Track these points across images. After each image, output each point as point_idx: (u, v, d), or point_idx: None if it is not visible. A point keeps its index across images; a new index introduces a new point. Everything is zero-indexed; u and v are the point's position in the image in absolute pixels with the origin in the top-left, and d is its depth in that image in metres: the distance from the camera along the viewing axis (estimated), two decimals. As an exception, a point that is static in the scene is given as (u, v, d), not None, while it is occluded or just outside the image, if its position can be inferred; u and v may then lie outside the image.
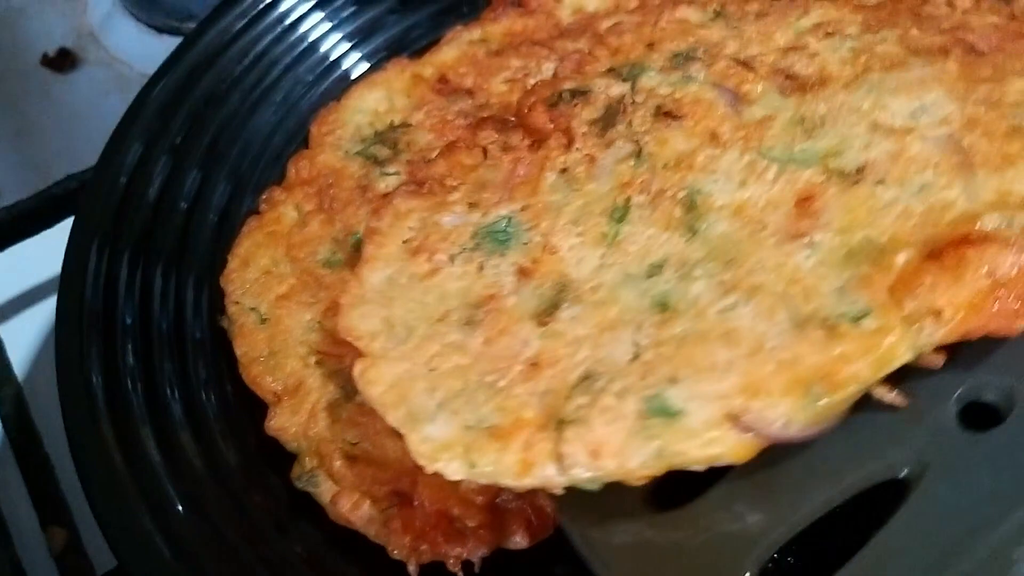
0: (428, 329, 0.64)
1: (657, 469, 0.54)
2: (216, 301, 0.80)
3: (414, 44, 0.98)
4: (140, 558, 0.63)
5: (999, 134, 0.63)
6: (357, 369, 0.63)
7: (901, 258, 0.57)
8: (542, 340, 0.61)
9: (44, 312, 0.85)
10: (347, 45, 0.99)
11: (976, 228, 0.57)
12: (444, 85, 0.90)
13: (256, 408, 0.74)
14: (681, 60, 0.78)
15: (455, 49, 0.93)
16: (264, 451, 0.72)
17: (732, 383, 0.55)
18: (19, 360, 0.94)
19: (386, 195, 0.77)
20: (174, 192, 0.85)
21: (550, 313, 0.63)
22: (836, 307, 0.56)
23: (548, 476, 0.56)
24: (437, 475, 0.57)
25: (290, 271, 0.80)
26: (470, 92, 0.88)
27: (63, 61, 1.29)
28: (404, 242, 0.70)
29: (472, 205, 0.71)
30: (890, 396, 0.56)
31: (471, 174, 0.73)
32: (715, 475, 0.57)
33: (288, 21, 0.97)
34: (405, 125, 0.88)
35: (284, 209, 0.85)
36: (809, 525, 0.57)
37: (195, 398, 0.75)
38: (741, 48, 0.78)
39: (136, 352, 0.75)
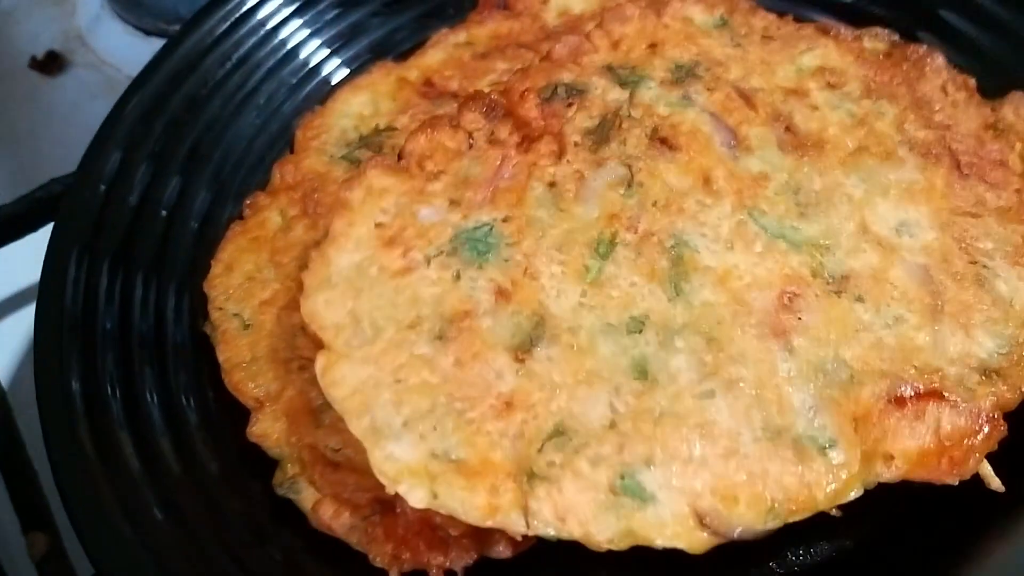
0: (397, 334, 0.64)
1: (621, 545, 0.58)
2: (198, 307, 0.80)
3: (399, 47, 0.98)
4: (116, 565, 0.63)
5: (968, 280, 0.68)
6: (319, 363, 0.63)
7: (868, 394, 0.62)
8: (517, 378, 0.62)
9: (29, 317, 0.85)
10: (329, 49, 0.99)
11: (937, 383, 0.63)
12: (429, 88, 0.90)
13: (238, 414, 0.73)
14: (683, 74, 0.78)
15: (440, 52, 0.93)
16: (245, 457, 0.72)
17: (704, 482, 0.59)
18: (3, 365, 0.94)
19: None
20: (154, 199, 0.84)
21: (526, 349, 0.64)
22: (806, 428, 0.61)
23: (511, 523, 0.58)
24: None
25: (274, 276, 0.80)
26: (455, 95, 0.88)
27: (51, 64, 1.29)
28: (377, 225, 0.70)
29: (453, 203, 0.71)
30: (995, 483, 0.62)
31: (453, 163, 0.73)
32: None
33: (270, 25, 0.97)
34: (390, 128, 0.88)
35: (268, 214, 0.84)
36: (810, 527, 0.60)
37: (175, 404, 0.74)
38: (744, 76, 0.78)
39: (116, 358, 0.74)
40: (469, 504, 0.58)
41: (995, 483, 0.62)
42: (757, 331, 0.64)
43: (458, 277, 0.67)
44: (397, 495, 0.59)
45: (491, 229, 0.69)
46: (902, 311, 0.66)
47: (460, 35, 0.94)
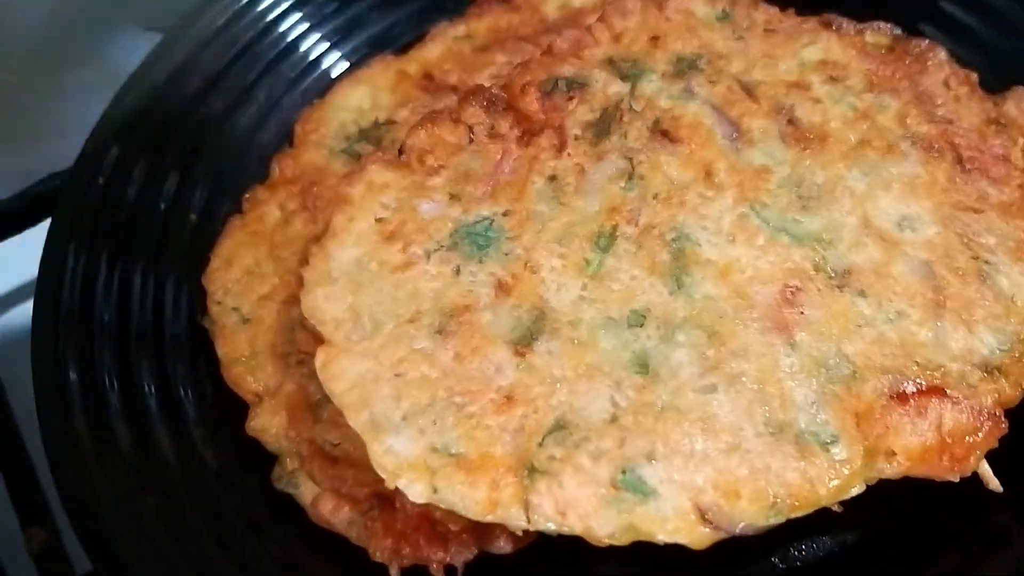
0: (396, 328, 0.64)
1: (622, 540, 0.57)
2: (196, 301, 0.79)
3: (398, 40, 0.97)
4: (113, 559, 0.63)
5: (970, 276, 0.67)
6: (319, 358, 0.63)
7: (870, 389, 0.62)
8: (517, 372, 0.62)
9: (28, 311, 0.85)
10: (329, 42, 0.98)
11: (939, 379, 0.62)
12: (429, 82, 0.90)
13: (236, 408, 0.73)
14: (685, 67, 0.77)
15: (440, 45, 0.92)
16: (244, 452, 0.71)
17: (706, 477, 0.59)
18: (1, 360, 0.94)
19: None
20: (153, 193, 0.84)
21: (527, 343, 0.63)
22: (809, 424, 0.60)
23: (512, 518, 0.58)
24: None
25: (273, 271, 0.80)
26: (455, 88, 0.87)
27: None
28: (377, 220, 0.69)
29: (453, 197, 0.70)
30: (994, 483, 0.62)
31: (454, 157, 0.72)
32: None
33: (269, 18, 0.96)
34: (390, 122, 0.87)
35: (267, 208, 0.84)
36: (812, 522, 0.60)
37: (174, 398, 0.74)
38: (746, 69, 0.78)
39: (114, 352, 0.74)
40: (469, 499, 0.58)
41: (993, 483, 0.62)
42: (759, 325, 0.64)
43: (458, 271, 0.67)
44: (397, 490, 0.59)
45: (491, 223, 0.69)
46: (904, 306, 0.66)
47: (460, 28, 0.94)
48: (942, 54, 0.82)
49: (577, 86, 0.76)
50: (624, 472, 0.58)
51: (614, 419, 0.60)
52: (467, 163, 0.72)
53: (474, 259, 0.67)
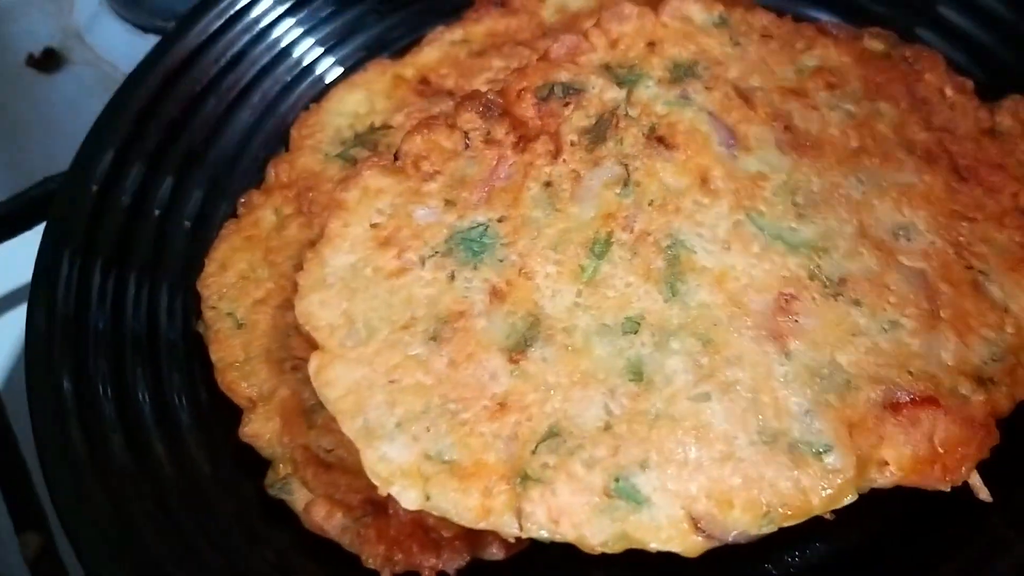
0: (391, 335, 0.64)
1: (615, 548, 0.57)
2: (191, 307, 0.79)
3: (394, 44, 0.97)
4: (107, 566, 0.63)
5: (965, 286, 0.67)
6: (313, 364, 0.63)
7: (864, 399, 0.62)
8: (511, 379, 0.62)
9: (22, 316, 0.84)
10: (323, 47, 0.98)
11: (932, 390, 0.62)
12: (425, 86, 0.89)
13: (230, 414, 0.73)
14: (681, 73, 0.77)
15: (436, 50, 0.92)
16: (237, 458, 0.71)
17: (699, 485, 0.59)
18: (-3, 365, 0.94)
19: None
20: (148, 197, 0.84)
21: (521, 350, 0.63)
22: (802, 433, 0.60)
23: (504, 525, 0.58)
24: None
25: (267, 275, 0.80)
26: (451, 93, 0.87)
27: (48, 61, 1.28)
28: (372, 226, 0.69)
29: (449, 203, 0.70)
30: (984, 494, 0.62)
31: (449, 162, 0.72)
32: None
33: (264, 23, 0.96)
34: (386, 127, 0.87)
35: (262, 213, 0.84)
36: (805, 529, 0.60)
37: (168, 403, 0.74)
38: (743, 75, 0.78)
39: (108, 357, 0.74)
40: (462, 506, 0.58)
41: (984, 494, 0.62)
42: (754, 333, 0.64)
43: (453, 277, 0.66)
44: (390, 496, 0.59)
45: (486, 229, 0.69)
46: (898, 316, 0.65)
47: (456, 33, 0.94)
48: (939, 61, 0.81)
49: (573, 92, 0.76)
50: (617, 480, 0.58)
51: (608, 427, 0.60)
52: (463, 169, 0.72)
53: (469, 265, 0.67)
